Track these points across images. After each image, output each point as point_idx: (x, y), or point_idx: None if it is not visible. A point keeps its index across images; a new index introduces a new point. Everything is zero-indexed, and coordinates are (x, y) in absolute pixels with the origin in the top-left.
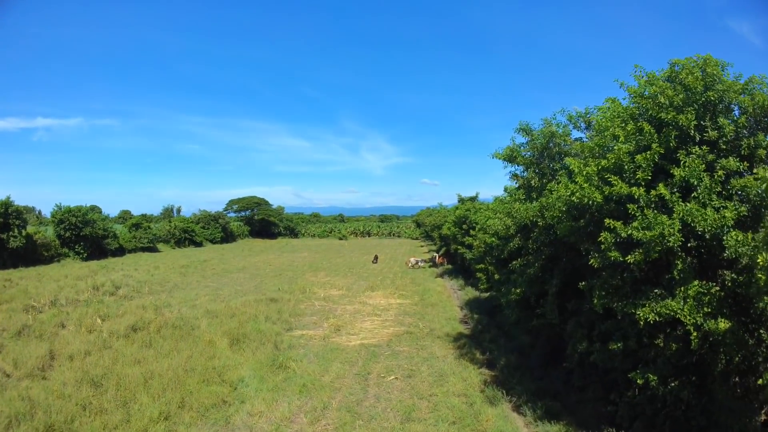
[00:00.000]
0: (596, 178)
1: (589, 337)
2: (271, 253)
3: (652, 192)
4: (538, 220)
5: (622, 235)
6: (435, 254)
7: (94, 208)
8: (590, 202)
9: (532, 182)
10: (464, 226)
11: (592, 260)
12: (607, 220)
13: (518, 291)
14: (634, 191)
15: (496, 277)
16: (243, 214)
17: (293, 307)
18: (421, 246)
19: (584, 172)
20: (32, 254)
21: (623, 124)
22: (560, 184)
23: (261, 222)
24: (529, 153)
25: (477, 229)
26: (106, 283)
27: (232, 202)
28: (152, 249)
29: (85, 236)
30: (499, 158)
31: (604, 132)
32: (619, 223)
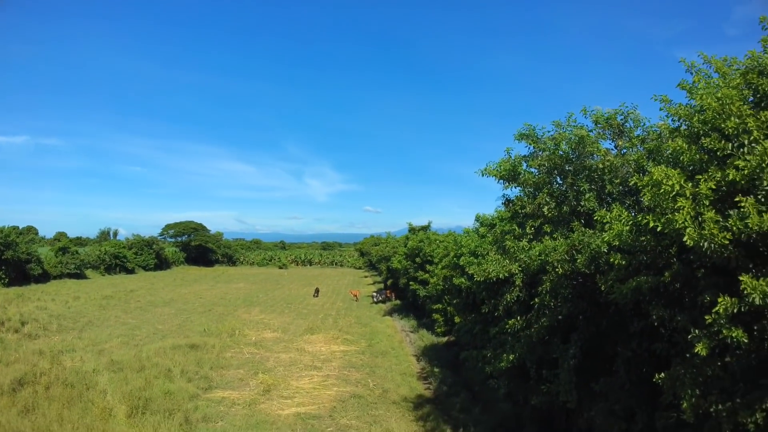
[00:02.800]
0: (707, 202)
1: None
2: (205, 283)
3: None
4: (562, 265)
5: (755, 301)
6: (385, 291)
7: (30, 229)
8: (703, 245)
9: (545, 210)
10: (417, 260)
11: (699, 347)
12: (744, 277)
13: (512, 357)
14: None
15: (457, 320)
16: (180, 239)
17: (217, 356)
18: (365, 276)
19: (687, 193)
20: None
21: (752, 110)
22: (612, 214)
23: (198, 248)
24: (535, 169)
25: (439, 265)
26: (15, 316)
27: (168, 227)
28: (80, 275)
29: (7, 260)
30: (494, 176)
31: (714, 121)
32: (762, 282)
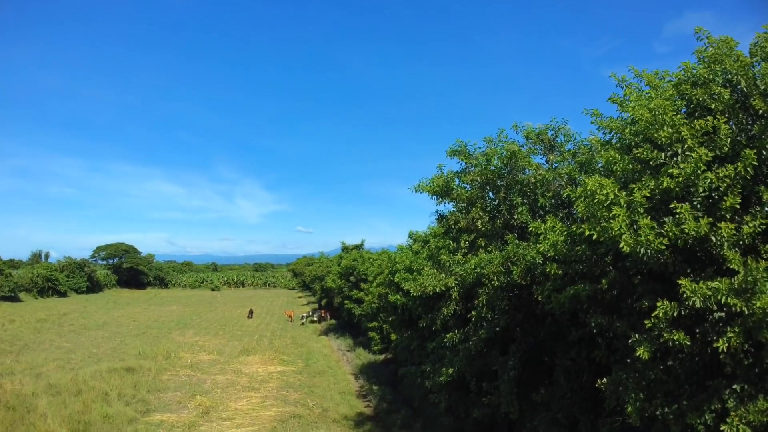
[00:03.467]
0: (641, 210)
1: None
2: (138, 305)
3: (745, 229)
4: (498, 278)
5: (696, 303)
6: (320, 311)
7: None
8: (640, 251)
9: (478, 224)
10: (352, 278)
11: (640, 350)
12: (683, 281)
13: (451, 371)
14: (723, 228)
15: (393, 337)
16: (111, 261)
17: (154, 378)
18: (299, 297)
19: (621, 201)
20: None
21: (686, 120)
22: (546, 225)
23: (129, 270)
24: (468, 185)
25: (374, 283)
26: None
27: (99, 249)
28: (14, 298)
29: None
30: (427, 191)
31: (647, 132)
32: (702, 285)
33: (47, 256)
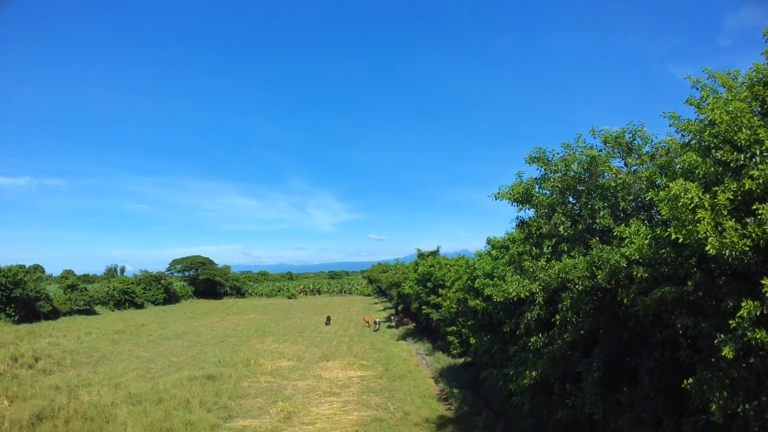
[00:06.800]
0: (725, 212)
1: None
2: (215, 315)
3: None
4: (582, 282)
5: None
6: (397, 315)
7: (36, 268)
8: (725, 253)
9: (560, 229)
10: (429, 284)
11: (726, 350)
12: (765, 281)
13: (534, 374)
14: None
15: (473, 341)
16: (187, 273)
17: (234, 385)
18: (375, 303)
19: (706, 204)
20: None
21: (762, 121)
22: (630, 229)
23: (206, 282)
24: (548, 191)
25: (452, 289)
26: (28, 352)
27: (175, 262)
28: (89, 311)
29: (16, 298)
30: (507, 199)
31: (726, 134)
32: None
33: (123, 270)
